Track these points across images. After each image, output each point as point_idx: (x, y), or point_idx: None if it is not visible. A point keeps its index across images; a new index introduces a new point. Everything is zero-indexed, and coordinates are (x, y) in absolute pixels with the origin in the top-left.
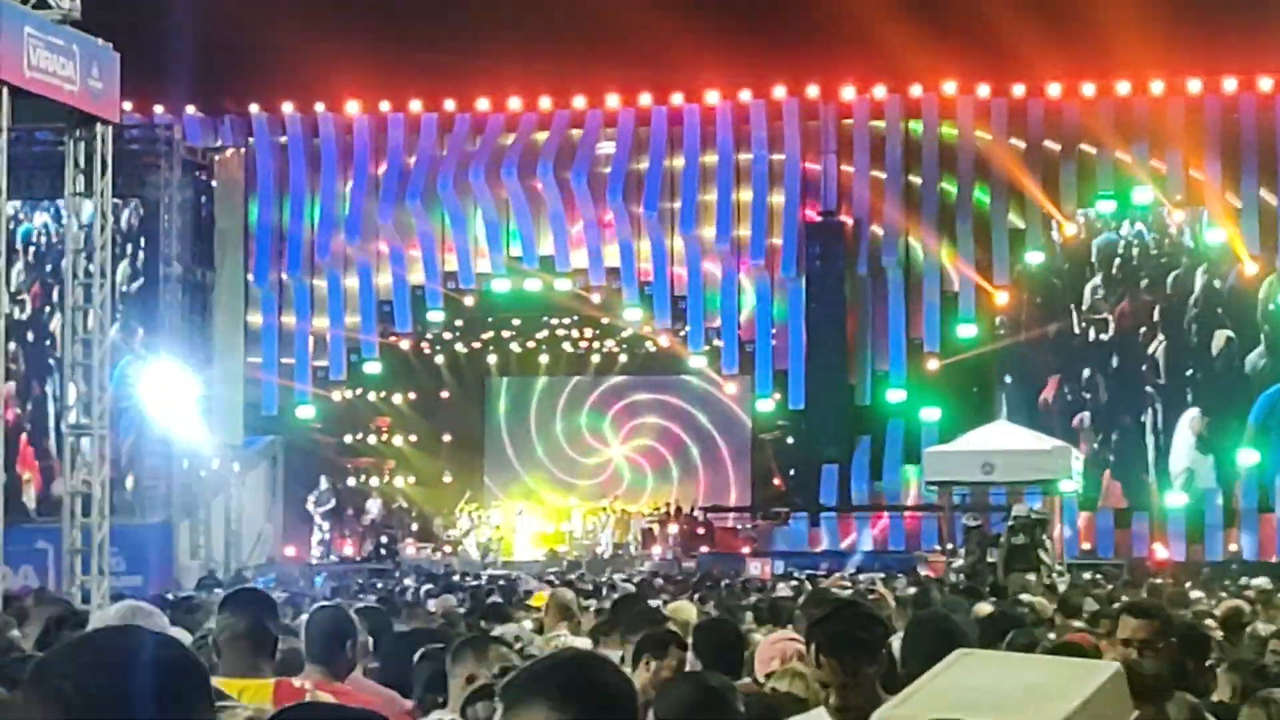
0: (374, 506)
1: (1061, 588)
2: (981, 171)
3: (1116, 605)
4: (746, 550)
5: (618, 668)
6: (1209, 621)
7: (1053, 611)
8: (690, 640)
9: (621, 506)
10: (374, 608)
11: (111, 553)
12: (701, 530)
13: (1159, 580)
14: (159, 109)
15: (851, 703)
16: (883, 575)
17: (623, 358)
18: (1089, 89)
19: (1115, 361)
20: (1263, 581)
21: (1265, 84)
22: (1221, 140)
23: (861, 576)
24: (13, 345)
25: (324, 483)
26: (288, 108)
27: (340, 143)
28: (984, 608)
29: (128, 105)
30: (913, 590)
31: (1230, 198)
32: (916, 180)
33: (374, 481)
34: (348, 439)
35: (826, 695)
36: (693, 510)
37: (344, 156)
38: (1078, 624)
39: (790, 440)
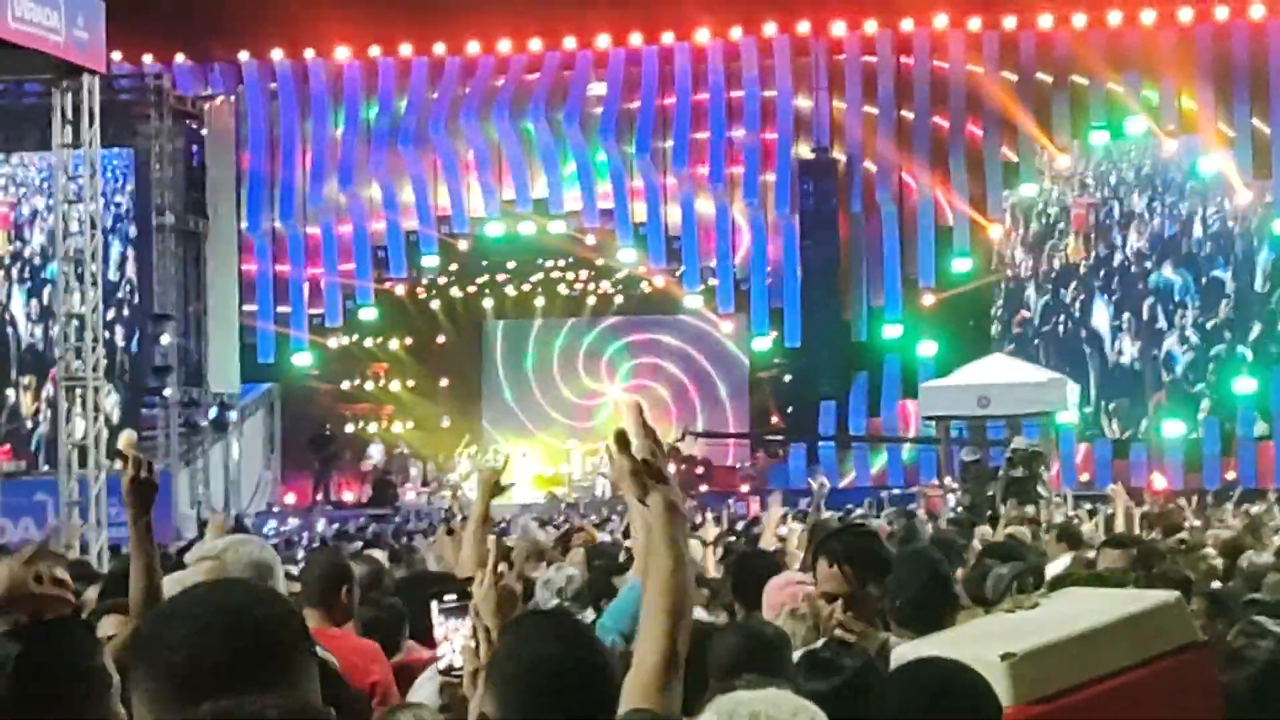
0: (376, 452)
1: (1059, 519)
2: (974, 105)
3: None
4: (745, 489)
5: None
6: (1208, 550)
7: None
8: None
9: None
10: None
11: (110, 503)
12: (700, 469)
13: (1153, 509)
14: (148, 58)
15: (854, 620)
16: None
17: (618, 299)
18: (1080, 20)
19: (1109, 291)
20: (1259, 508)
21: (1257, 11)
22: (1214, 69)
23: (857, 512)
24: None
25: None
26: (277, 54)
27: (331, 88)
28: (985, 531)
29: (116, 55)
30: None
31: (1223, 126)
32: (909, 115)
33: (372, 428)
34: (345, 385)
35: (830, 615)
36: (683, 436)
37: (335, 102)
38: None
39: (787, 378)
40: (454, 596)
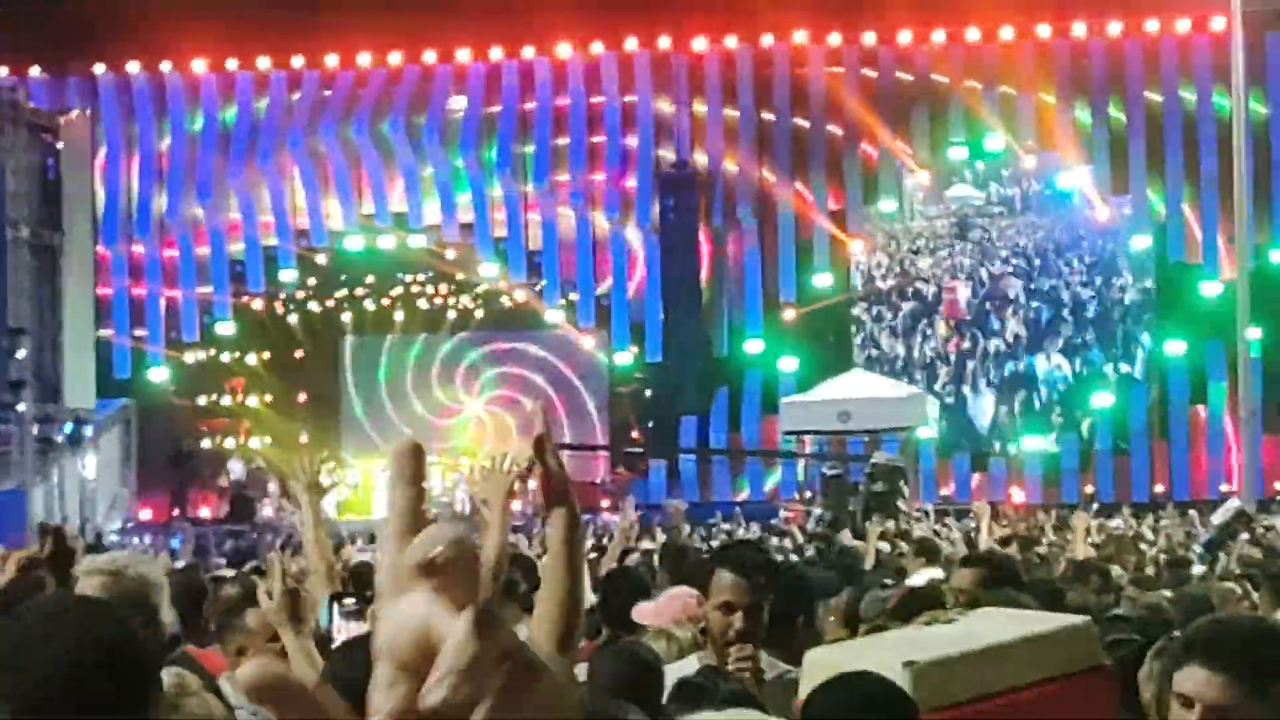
0: (235, 467)
1: (919, 534)
2: (833, 120)
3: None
4: (606, 504)
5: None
6: (1061, 564)
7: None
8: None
9: (479, 463)
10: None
11: None
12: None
13: (1013, 526)
14: (2, 71)
15: (750, 630)
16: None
17: (479, 313)
18: (939, 35)
19: (968, 310)
20: (1117, 523)
21: (1114, 28)
22: (1071, 85)
23: (724, 526)
24: None
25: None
26: (134, 67)
27: (188, 102)
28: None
29: None
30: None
31: (1081, 142)
32: (769, 132)
33: (230, 443)
34: (202, 401)
35: (726, 626)
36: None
37: (192, 116)
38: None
39: (648, 393)
40: (353, 600)
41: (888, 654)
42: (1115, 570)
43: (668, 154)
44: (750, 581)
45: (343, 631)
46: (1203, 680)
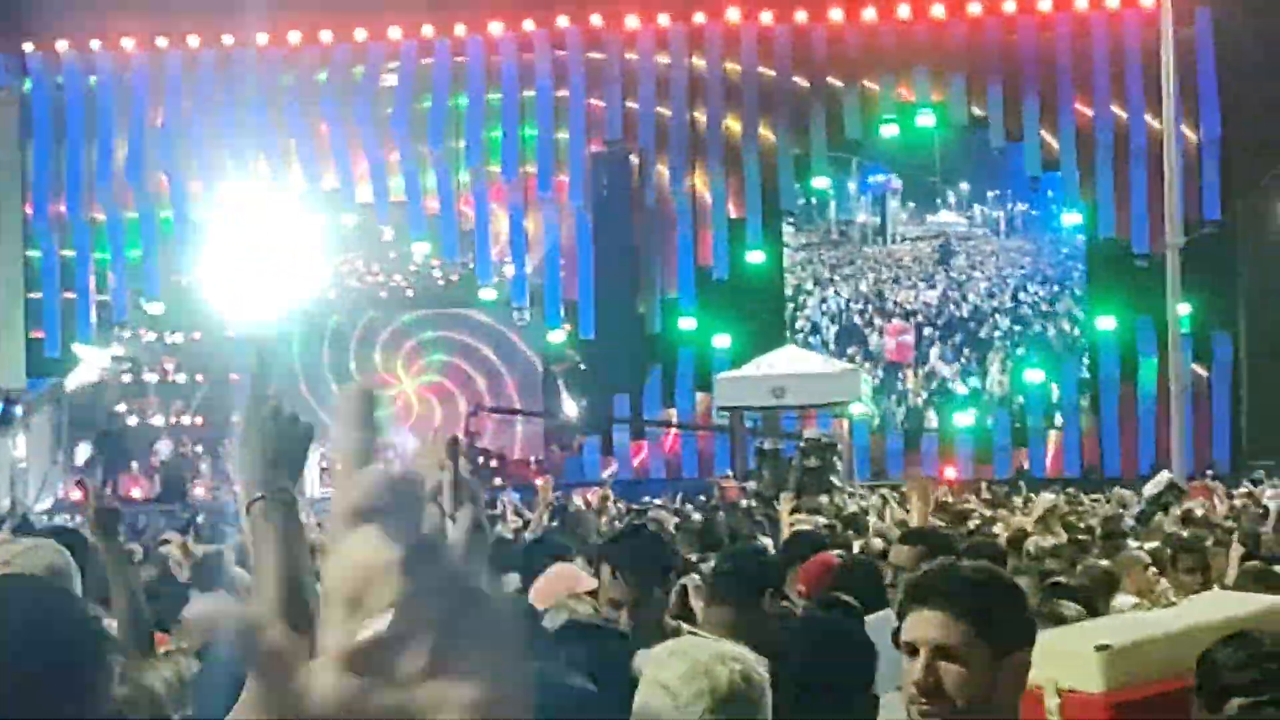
0: (164, 448)
1: (853, 508)
2: (766, 99)
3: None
4: (540, 481)
5: None
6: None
7: (845, 532)
8: None
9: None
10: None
11: None
12: (495, 462)
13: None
14: None
15: (642, 620)
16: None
17: (410, 292)
18: (870, 13)
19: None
20: (1048, 497)
21: (1044, 4)
22: (1002, 64)
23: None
24: None
25: (85, 450)
26: (62, 45)
27: (117, 81)
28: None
29: None
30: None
31: (1010, 122)
32: (701, 108)
33: (159, 421)
34: (132, 379)
35: (617, 618)
36: (475, 412)
37: (122, 95)
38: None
39: (582, 370)
40: None
41: (1089, 636)
42: (1038, 541)
43: (598, 138)
44: (634, 577)
45: None
46: (927, 621)
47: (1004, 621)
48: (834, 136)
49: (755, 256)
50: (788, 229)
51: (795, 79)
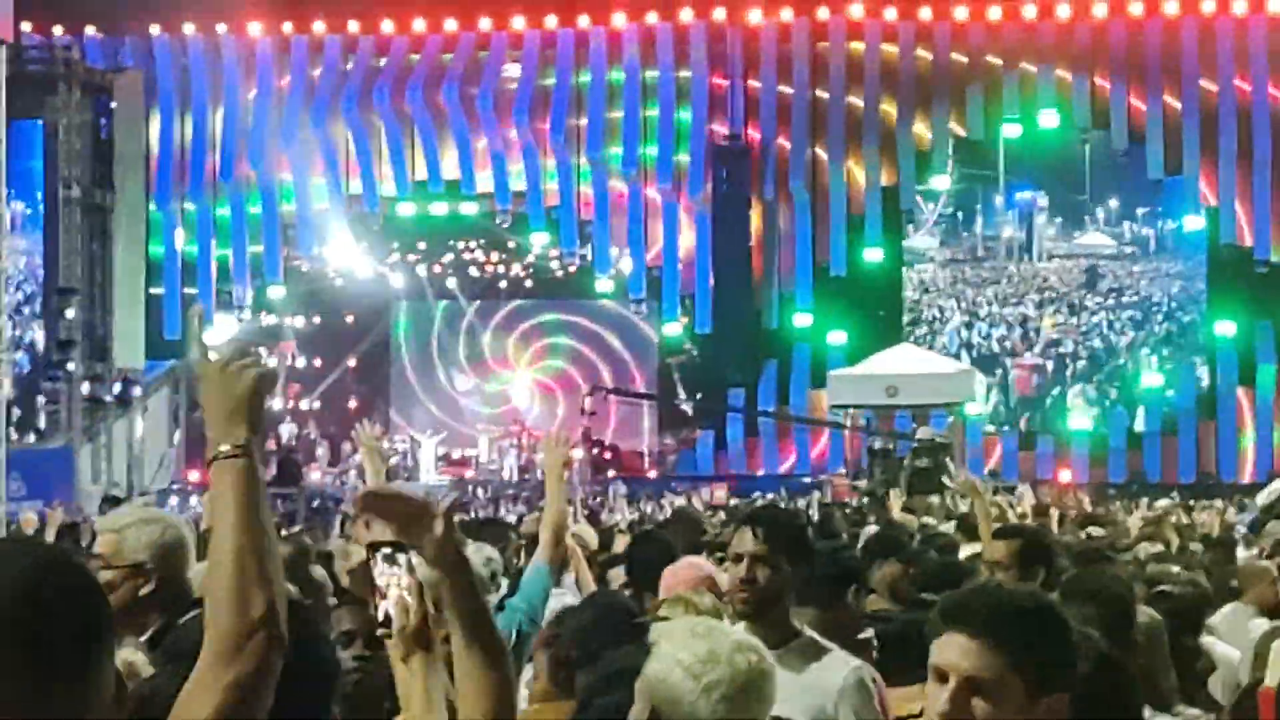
0: (285, 431)
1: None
2: (888, 94)
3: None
4: (653, 475)
5: None
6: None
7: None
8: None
9: (527, 430)
10: None
11: (12, 477)
12: (609, 455)
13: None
14: (58, 29)
15: (754, 578)
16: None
17: (529, 282)
18: (995, 11)
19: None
20: (1164, 503)
21: (1170, 7)
22: (1126, 63)
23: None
24: None
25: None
26: (189, 28)
27: (242, 65)
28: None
29: (27, 26)
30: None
31: (1135, 120)
32: (823, 103)
33: (278, 405)
34: None
35: (735, 576)
36: (592, 391)
37: (246, 79)
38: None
39: (697, 364)
40: (389, 548)
41: None
42: (1147, 547)
43: (720, 128)
44: (762, 532)
45: (384, 578)
46: (959, 646)
47: (1047, 657)
48: (955, 135)
49: (873, 254)
50: (929, 240)
51: (917, 73)
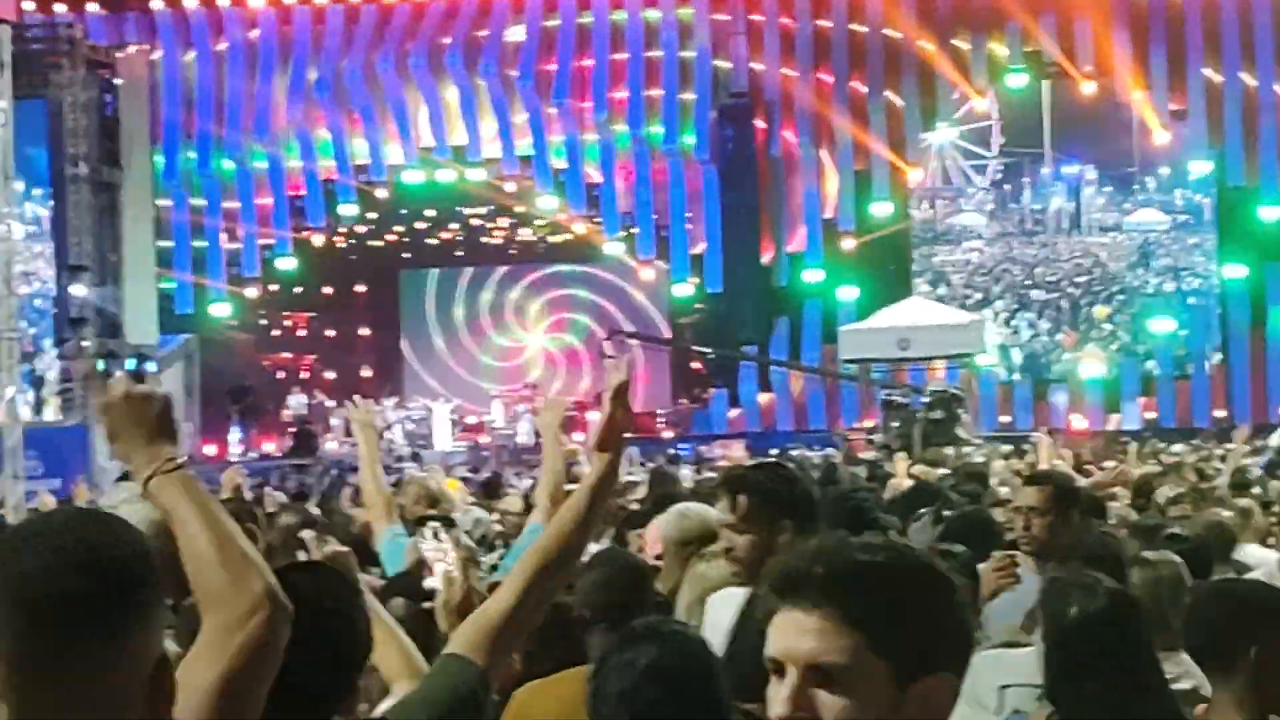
0: (296, 402)
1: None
2: (892, 50)
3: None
4: (669, 435)
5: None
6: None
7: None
8: None
9: (541, 395)
10: None
11: (28, 456)
12: None
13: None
14: (60, 7)
15: (751, 556)
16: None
17: (539, 247)
18: None
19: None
20: (1181, 448)
21: None
22: (1130, 11)
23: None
24: None
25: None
26: (191, 3)
27: (245, 38)
28: (899, 481)
29: (29, 5)
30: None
31: (1139, 69)
32: (828, 62)
33: (291, 377)
34: (263, 336)
35: (743, 545)
36: (610, 336)
37: (249, 52)
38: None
39: (709, 323)
40: (438, 521)
41: None
42: (1165, 491)
43: (723, 70)
44: (739, 500)
45: (432, 553)
46: (799, 626)
47: (916, 631)
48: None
49: (881, 208)
50: (980, 216)
51: (922, 27)
